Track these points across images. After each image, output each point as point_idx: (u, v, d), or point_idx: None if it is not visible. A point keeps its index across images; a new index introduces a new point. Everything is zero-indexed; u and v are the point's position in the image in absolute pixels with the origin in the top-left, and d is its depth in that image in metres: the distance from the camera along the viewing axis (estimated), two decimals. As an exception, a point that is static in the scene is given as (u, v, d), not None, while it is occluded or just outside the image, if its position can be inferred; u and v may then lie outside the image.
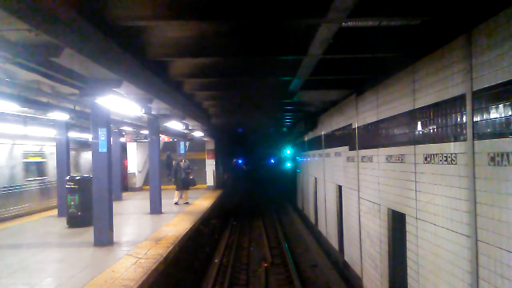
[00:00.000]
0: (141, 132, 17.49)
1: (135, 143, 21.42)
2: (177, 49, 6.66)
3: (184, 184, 15.76)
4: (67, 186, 10.98)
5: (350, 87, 9.82)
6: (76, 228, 10.54)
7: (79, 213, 10.69)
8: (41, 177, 14.54)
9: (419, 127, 6.17)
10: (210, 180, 23.27)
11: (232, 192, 29.20)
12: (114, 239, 8.74)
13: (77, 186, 10.80)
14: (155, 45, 6.57)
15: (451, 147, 5.16)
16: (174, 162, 16.61)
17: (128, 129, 16.64)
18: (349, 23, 5.41)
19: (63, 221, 11.14)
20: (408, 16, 5.20)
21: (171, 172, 16.75)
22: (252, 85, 10.32)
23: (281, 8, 5.06)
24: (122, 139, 19.28)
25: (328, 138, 13.67)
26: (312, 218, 17.75)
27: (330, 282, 10.70)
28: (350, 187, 10.47)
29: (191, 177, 16.03)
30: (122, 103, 8.02)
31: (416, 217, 6.29)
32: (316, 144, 16.12)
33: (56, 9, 4.40)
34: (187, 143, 21.51)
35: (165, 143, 21.54)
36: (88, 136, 16.04)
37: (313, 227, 17.07)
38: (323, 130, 14.55)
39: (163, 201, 13.57)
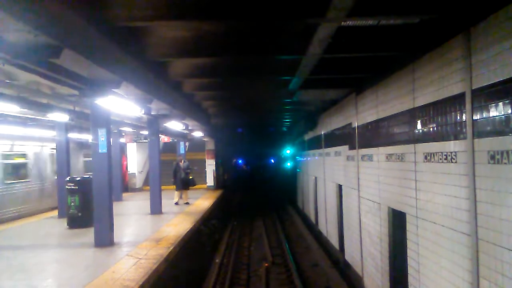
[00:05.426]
0: (141, 132, 17.47)
1: (135, 143, 21.42)
2: (177, 49, 6.66)
3: (184, 184, 15.73)
4: (67, 187, 10.99)
5: (350, 86, 9.82)
6: (76, 229, 10.53)
7: (80, 214, 10.68)
8: None
9: (419, 126, 6.17)
10: (210, 180, 23.26)
11: (232, 192, 29.18)
12: (115, 240, 8.73)
13: (77, 187, 10.79)
14: (154, 45, 6.57)
15: (451, 146, 5.16)
16: (174, 163, 16.60)
17: (128, 129, 16.62)
18: (348, 22, 5.41)
19: (64, 222, 11.13)
20: (407, 14, 5.21)
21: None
22: (251, 85, 10.31)
23: (280, 8, 5.06)
24: (122, 140, 19.27)
25: (328, 137, 13.67)
26: (312, 218, 17.75)
27: (331, 281, 10.70)
28: (350, 186, 10.47)
29: (190, 177, 16.00)
30: (122, 103, 8.02)
31: (417, 216, 6.29)
32: (316, 143, 16.12)
33: (56, 10, 4.40)
34: (187, 143, 21.50)
35: (165, 144, 21.51)
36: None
37: (314, 226, 17.08)
38: (323, 130, 14.55)
39: (163, 202, 13.57)
